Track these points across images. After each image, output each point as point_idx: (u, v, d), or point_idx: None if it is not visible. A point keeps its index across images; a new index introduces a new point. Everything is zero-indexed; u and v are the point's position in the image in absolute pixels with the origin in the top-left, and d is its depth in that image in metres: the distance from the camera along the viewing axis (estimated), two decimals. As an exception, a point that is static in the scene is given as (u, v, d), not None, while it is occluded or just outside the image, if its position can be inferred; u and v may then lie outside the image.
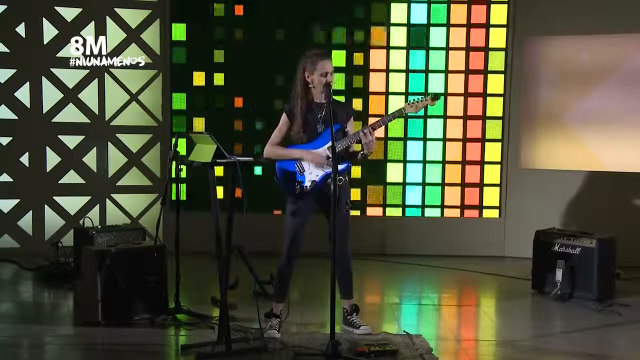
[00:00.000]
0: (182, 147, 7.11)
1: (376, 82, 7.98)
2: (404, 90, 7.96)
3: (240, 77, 7.93)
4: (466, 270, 7.28)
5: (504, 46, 7.93)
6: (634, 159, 7.59)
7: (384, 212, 8.04)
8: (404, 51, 7.95)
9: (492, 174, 8.03)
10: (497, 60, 7.95)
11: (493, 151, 8.03)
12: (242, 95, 7.96)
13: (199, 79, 7.96)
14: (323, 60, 4.89)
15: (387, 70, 7.97)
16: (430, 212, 8.07)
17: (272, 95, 7.80)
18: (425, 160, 8.03)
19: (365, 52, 7.97)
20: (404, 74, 7.97)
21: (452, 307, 6.26)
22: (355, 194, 7.83)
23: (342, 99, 7.51)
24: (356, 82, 7.97)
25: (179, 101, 7.95)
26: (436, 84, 7.96)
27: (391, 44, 7.95)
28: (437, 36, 7.96)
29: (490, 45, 7.96)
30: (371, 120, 7.30)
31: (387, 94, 7.99)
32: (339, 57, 7.84)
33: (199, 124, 7.94)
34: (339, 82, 7.70)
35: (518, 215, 7.94)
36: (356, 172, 7.93)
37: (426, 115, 7.96)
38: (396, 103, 7.81)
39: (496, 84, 7.97)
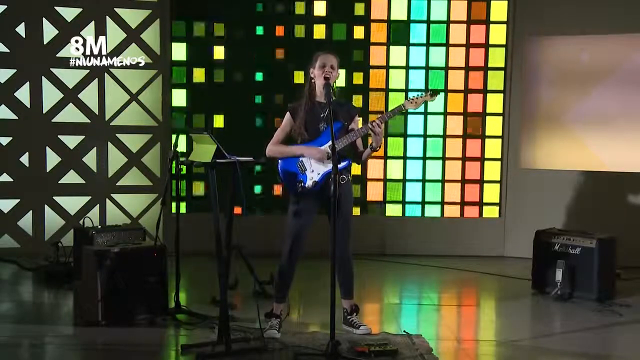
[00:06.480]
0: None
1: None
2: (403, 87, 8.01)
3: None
4: (466, 270, 7.28)
5: (504, 45, 7.93)
6: (634, 159, 7.59)
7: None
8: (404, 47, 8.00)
9: (492, 173, 8.04)
10: (497, 63, 7.96)
11: (493, 152, 8.03)
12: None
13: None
14: (324, 54, 4.94)
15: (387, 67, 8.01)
16: (430, 209, 8.10)
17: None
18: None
19: (365, 49, 7.99)
20: (403, 70, 8.01)
21: (452, 307, 6.26)
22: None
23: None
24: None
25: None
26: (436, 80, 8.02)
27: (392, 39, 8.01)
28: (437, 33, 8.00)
29: (491, 43, 7.96)
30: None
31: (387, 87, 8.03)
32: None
33: (199, 74, 7.96)
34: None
35: (518, 215, 7.94)
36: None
37: (426, 113, 8.01)
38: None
39: (496, 94, 7.98)
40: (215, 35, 7.93)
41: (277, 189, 7.78)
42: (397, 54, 7.97)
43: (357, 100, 7.88)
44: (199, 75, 7.95)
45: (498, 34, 7.96)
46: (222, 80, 7.96)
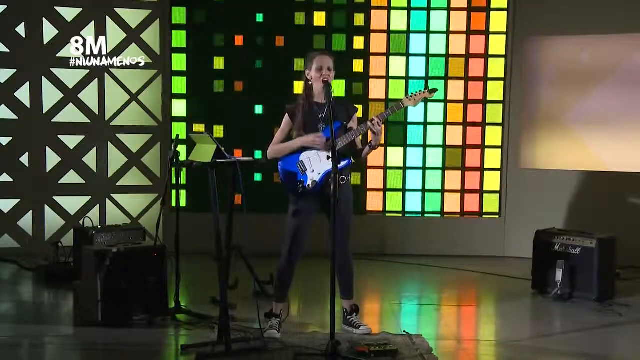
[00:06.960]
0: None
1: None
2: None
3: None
4: (466, 270, 7.28)
5: (504, 47, 7.93)
6: (634, 159, 7.58)
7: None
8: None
9: (492, 175, 8.05)
10: (497, 62, 7.96)
11: (493, 153, 8.03)
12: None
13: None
14: (320, 56, 4.93)
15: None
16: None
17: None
18: (425, 168, 8.08)
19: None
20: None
21: (452, 307, 6.26)
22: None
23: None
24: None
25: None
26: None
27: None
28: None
29: (491, 46, 7.95)
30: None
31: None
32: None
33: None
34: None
35: (518, 215, 7.93)
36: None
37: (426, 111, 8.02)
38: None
39: (496, 87, 7.98)
40: (215, 25, 7.93)
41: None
42: (397, 42, 7.99)
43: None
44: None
45: (498, 39, 7.95)
46: (221, 68, 7.96)
